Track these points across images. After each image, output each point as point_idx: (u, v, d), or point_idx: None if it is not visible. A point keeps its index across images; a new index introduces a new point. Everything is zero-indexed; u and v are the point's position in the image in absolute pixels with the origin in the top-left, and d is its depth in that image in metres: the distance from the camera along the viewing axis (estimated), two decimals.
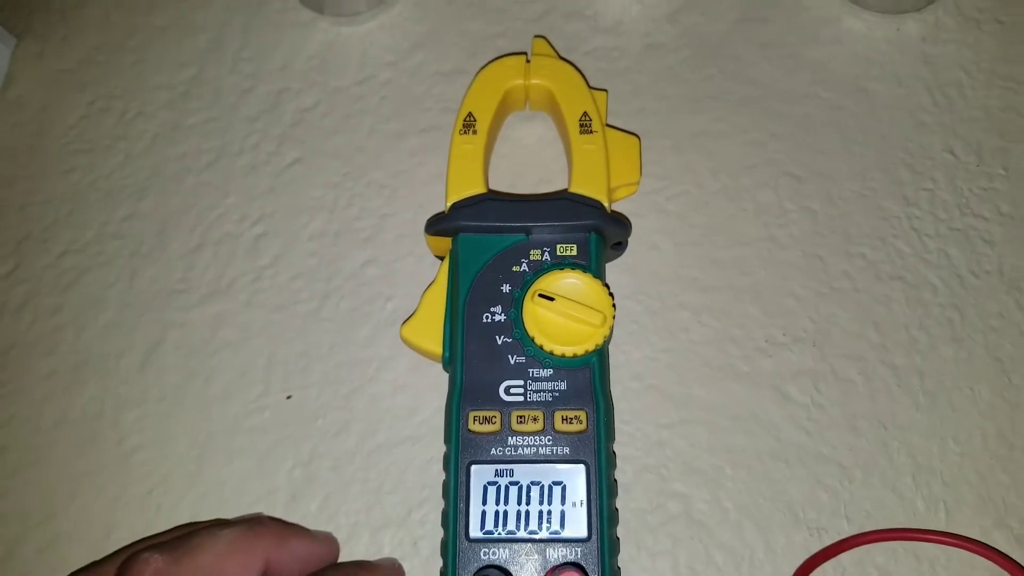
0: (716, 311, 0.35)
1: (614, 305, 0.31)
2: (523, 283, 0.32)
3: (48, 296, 0.37)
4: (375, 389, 0.34)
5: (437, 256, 0.35)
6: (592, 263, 0.32)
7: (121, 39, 0.42)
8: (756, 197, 0.37)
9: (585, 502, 0.29)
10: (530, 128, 0.38)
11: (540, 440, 0.30)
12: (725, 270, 0.35)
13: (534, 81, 0.36)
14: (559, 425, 0.30)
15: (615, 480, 0.30)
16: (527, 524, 0.29)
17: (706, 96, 0.39)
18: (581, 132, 0.34)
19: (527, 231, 0.32)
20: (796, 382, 0.34)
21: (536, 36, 0.38)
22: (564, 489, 0.29)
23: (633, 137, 0.36)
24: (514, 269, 0.32)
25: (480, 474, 0.29)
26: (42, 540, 0.33)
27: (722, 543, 0.31)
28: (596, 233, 0.33)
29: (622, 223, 0.34)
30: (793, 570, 0.31)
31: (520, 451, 0.30)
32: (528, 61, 0.36)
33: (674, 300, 0.35)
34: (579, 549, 0.28)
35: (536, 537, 0.29)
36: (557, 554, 0.28)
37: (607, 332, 0.30)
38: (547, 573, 0.28)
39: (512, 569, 0.28)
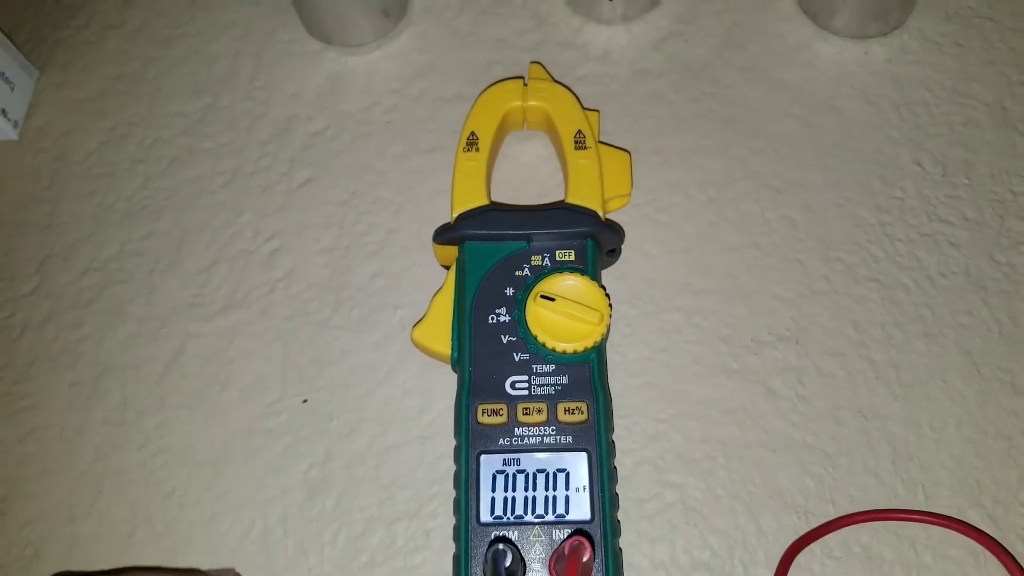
0: (706, 313, 0.37)
1: (610, 305, 0.33)
2: (526, 286, 0.34)
3: (70, 311, 0.38)
4: (386, 391, 0.36)
5: (443, 266, 0.37)
6: (589, 267, 0.34)
7: (139, 70, 0.44)
8: (740, 207, 0.39)
9: (588, 487, 0.31)
10: (528, 146, 0.40)
11: (544, 430, 0.32)
12: (713, 275, 0.38)
13: (531, 103, 0.38)
14: (562, 416, 0.32)
15: (615, 467, 0.32)
16: (534, 509, 0.30)
17: (691, 116, 0.41)
18: (576, 148, 0.37)
19: (528, 239, 0.35)
20: (782, 377, 0.36)
21: (532, 62, 0.40)
22: (568, 476, 0.31)
23: (624, 153, 0.38)
24: (517, 273, 0.34)
25: (489, 463, 0.31)
26: (68, 541, 0.34)
27: (716, 528, 0.33)
28: (592, 239, 0.35)
29: (616, 230, 0.36)
30: (783, 551, 0.32)
31: (526, 441, 0.31)
32: (525, 85, 0.39)
33: (667, 303, 0.37)
34: (583, 530, 0.30)
35: (543, 520, 0.30)
36: (563, 535, 0.30)
37: (604, 330, 0.32)
38: (559, 547, 0.29)
39: (522, 549, 0.30)
